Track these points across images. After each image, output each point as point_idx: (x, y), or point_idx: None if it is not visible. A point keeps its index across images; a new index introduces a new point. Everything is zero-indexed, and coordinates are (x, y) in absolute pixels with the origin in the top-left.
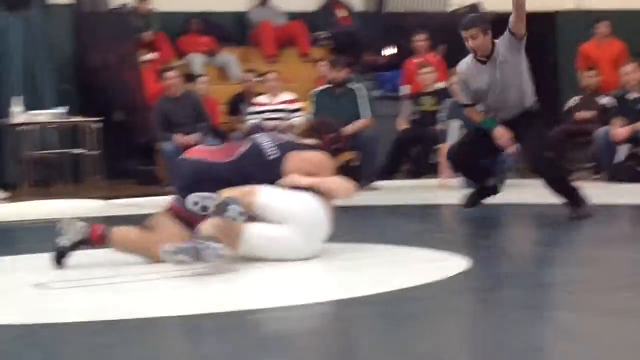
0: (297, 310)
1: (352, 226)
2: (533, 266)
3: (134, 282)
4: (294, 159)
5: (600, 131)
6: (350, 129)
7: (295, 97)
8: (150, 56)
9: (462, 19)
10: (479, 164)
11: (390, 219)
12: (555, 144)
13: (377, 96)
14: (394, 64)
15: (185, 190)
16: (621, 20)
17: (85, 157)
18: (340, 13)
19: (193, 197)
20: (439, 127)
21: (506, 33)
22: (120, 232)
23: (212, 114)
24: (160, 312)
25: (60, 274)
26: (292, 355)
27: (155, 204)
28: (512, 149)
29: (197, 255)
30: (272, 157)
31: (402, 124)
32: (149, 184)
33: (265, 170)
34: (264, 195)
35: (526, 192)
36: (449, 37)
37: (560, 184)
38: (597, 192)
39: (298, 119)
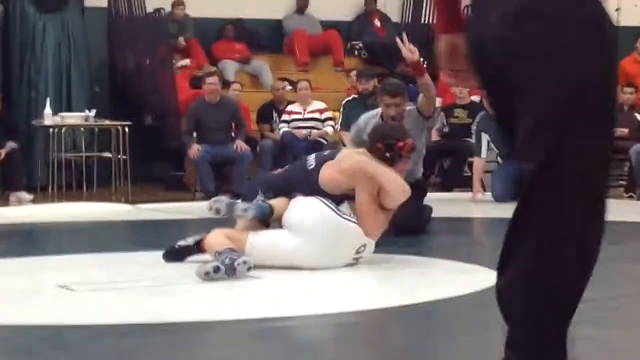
0: (328, 318)
1: (382, 237)
2: None
3: (162, 286)
4: (328, 169)
5: (636, 148)
6: None
7: (325, 106)
8: (183, 62)
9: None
10: None
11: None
12: None
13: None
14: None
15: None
16: None
17: (114, 161)
18: (376, 23)
19: (209, 202)
20: (471, 140)
21: (413, 109)
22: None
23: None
24: (190, 317)
25: (86, 275)
26: None
27: (182, 209)
28: None
29: (232, 272)
30: (310, 167)
31: (434, 136)
32: (176, 189)
33: (306, 178)
34: (291, 206)
35: None
36: None
37: None
38: (632, 209)
39: (329, 128)
